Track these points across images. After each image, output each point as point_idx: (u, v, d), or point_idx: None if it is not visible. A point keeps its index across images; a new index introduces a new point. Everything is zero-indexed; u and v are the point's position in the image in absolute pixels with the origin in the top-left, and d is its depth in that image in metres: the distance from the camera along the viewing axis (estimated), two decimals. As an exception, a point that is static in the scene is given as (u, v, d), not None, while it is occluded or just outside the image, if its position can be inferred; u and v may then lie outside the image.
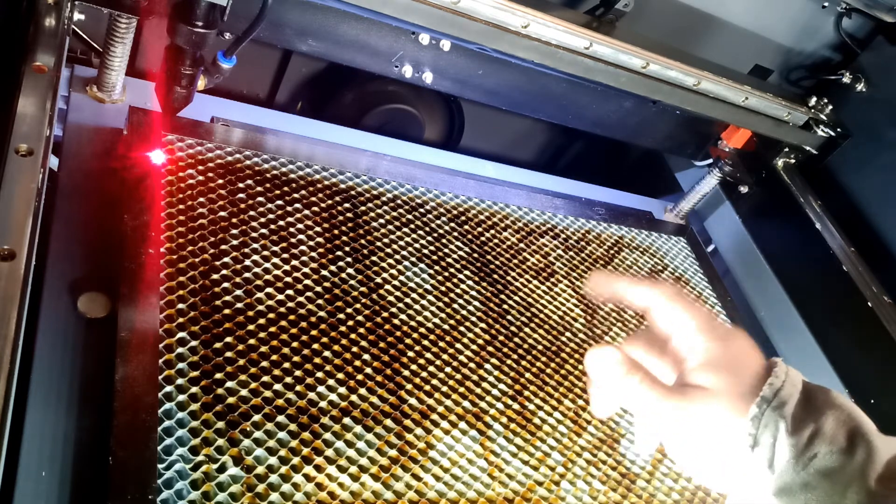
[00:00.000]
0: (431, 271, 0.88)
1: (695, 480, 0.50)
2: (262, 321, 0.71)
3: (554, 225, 1.07)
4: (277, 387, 0.67)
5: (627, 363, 0.47)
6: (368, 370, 0.73)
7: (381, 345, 0.76)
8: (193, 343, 0.66)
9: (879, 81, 1.13)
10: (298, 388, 0.68)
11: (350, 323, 0.76)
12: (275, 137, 0.91)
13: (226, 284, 0.72)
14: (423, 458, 0.69)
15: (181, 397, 0.61)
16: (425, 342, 0.79)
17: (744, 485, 0.46)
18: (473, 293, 0.89)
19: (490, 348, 0.83)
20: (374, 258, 0.84)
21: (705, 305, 0.53)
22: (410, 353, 0.77)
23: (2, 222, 0.54)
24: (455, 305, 0.85)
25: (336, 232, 0.84)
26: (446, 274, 0.89)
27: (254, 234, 0.78)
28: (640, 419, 0.53)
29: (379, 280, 0.82)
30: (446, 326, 0.82)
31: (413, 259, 0.87)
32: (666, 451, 0.51)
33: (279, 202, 0.83)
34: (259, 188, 0.83)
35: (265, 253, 0.77)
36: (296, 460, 0.63)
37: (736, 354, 0.49)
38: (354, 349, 0.74)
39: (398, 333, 0.78)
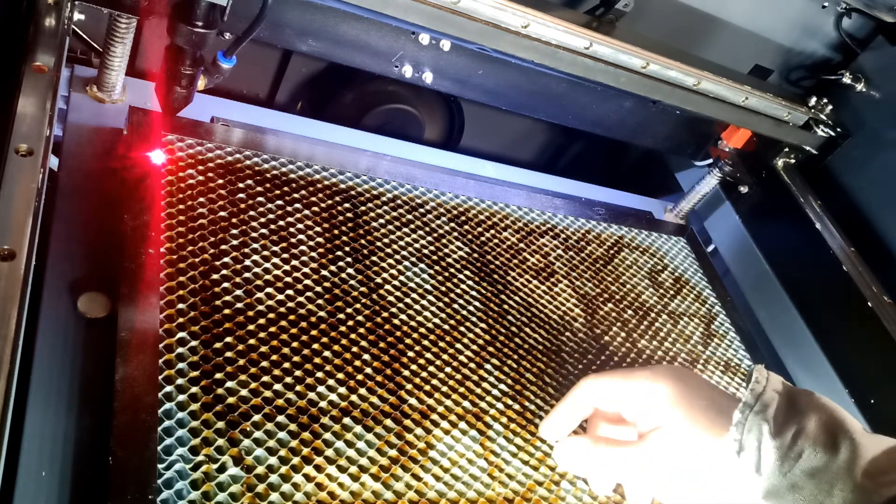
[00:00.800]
0: (431, 271, 0.88)
1: None
2: (262, 321, 0.71)
3: (554, 225, 1.07)
4: (277, 387, 0.67)
5: (590, 439, 0.52)
6: (368, 370, 0.73)
7: (381, 345, 0.76)
8: (193, 343, 0.66)
9: (879, 81, 1.13)
10: (298, 388, 0.68)
11: (350, 323, 0.76)
12: (275, 137, 0.91)
13: (226, 284, 0.72)
14: (423, 458, 0.69)
15: (181, 397, 0.61)
16: (425, 342, 0.79)
17: (733, 493, 0.46)
18: (473, 293, 0.89)
19: (490, 348, 0.83)
20: (374, 258, 0.84)
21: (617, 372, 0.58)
22: (410, 353, 0.77)
23: (2, 222, 0.54)
24: (455, 305, 0.85)
25: (336, 232, 0.84)
26: (446, 274, 0.89)
27: (254, 234, 0.78)
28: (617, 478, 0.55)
29: (379, 280, 0.82)
30: (446, 326, 0.82)
31: (413, 259, 0.87)
32: (658, 498, 0.52)
33: (279, 202, 0.83)
34: (259, 188, 0.83)
35: (265, 253, 0.77)
36: (296, 460, 0.63)
37: (699, 386, 0.52)
38: (354, 349, 0.74)
39: (398, 333, 0.78)
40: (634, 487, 0.53)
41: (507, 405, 0.79)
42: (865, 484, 0.43)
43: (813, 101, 1.15)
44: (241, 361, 0.67)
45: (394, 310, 0.80)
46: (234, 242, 0.76)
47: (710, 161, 1.24)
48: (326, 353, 0.72)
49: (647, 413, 0.51)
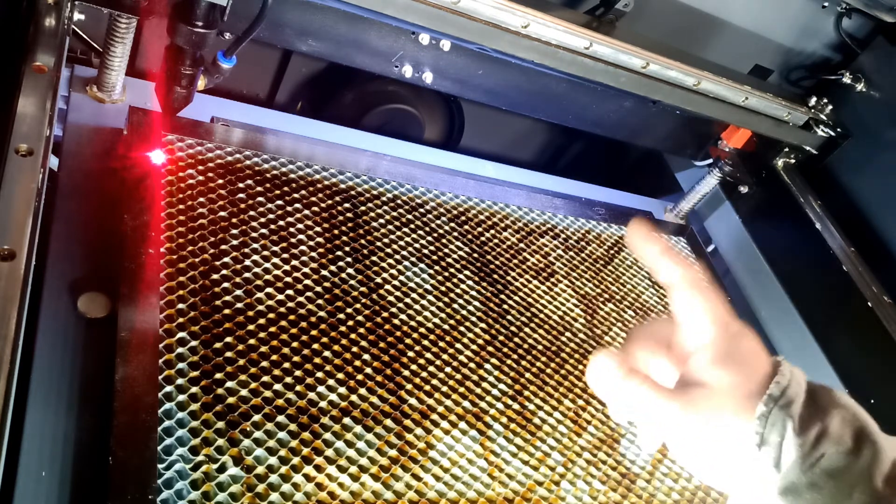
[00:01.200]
0: (431, 271, 0.88)
1: (698, 480, 0.50)
2: (262, 321, 0.71)
3: (554, 225, 1.07)
4: (277, 387, 0.67)
5: (625, 368, 0.47)
6: (368, 370, 0.73)
7: (381, 345, 0.76)
8: (193, 343, 0.66)
9: (879, 81, 1.13)
10: (298, 388, 0.68)
11: (350, 323, 0.76)
12: (275, 137, 0.91)
13: (226, 284, 0.72)
14: (423, 458, 0.69)
15: (181, 397, 0.61)
16: (425, 342, 0.79)
17: (747, 484, 0.46)
18: (473, 293, 0.89)
19: (490, 348, 0.83)
20: (374, 258, 0.84)
21: (722, 298, 0.53)
22: (410, 353, 0.77)
23: (2, 222, 0.54)
24: (455, 305, 0.85)
25: (336, 232, 0.84)
26: (446, 274, 0.89)
27: (254, 234, 0.78)
28: (643, 422, 0.53)
29: (379, 280, 0.82)
30: (446, 326, 0.82)
31: (413, 259, 0.87)
32: (669, 452, 0.51)
33: (279, 202, 0.83)
34: (259, 188, 0.83)
35: (265, 253, 0.77)
36: (296, 460, 0.63)
37: (743, 352, 0.49)
38: (354, 349, 0.74)
39: (398, 333, 0.78)
40: (650, 431, 0.52)
41: (506, 405, 0.79)
42: (885, 491, 0.43)
43: (813, 101, 1.14)
44: (241, 361, 0.67)
45: (394, 310, 0.80)
46: (234, 242, 0.76)
47: (710, 161, 1.24)
48: (326, 353, 0.72)
49: (685, 352, 0.50)
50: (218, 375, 0.65)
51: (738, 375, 0.47)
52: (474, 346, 0.82)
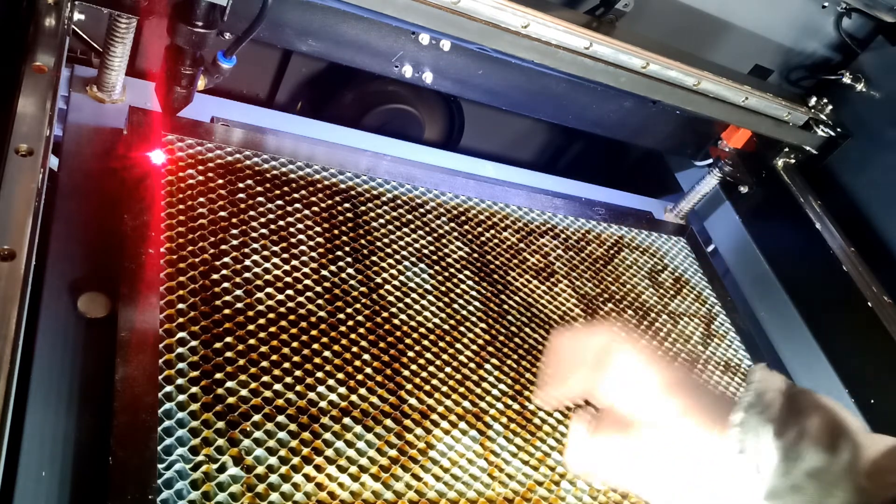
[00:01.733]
0: (431, 271, 0.88)
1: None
2: (262, 321, 0.71)
3: (554, 225, 1.07)
4: (277, 387, 0.67)
5: (589, 429, 0.49)
6: (368, 370, 0.73)
7: (381, 345, 0.76)
8: (193, 343, 0.66)
9: (879, 81, 1.13)
10: (298, 388, 0.68)
11: (350, 323, 0.76)
12: (275, 137, 0.91)
13: (226, 284, 0.72)
14: (423, 458, 0.69)
15: (181, 397, 0.61)
16: (425, 342, 0.79)
17: (732, 493, 0.46)
18: (473, 293, 0.89)
19: (490, 348, 0.83)
20: (374, 258, 0.84)
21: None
22: (410, 353, 0.77)
23: (2, 222, 0.54)
24: (455, 305, 0.85)
25: (336, 232, 0.84)
26: (446, 274, 0.89)
27: (254, 234, 0.78)
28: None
29: (379, 280, 0.82)
30: (446, 326, 0.82)
31: (413, 259, 0.87)
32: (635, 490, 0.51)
33: (279, 202, 0.83)
34: (259, 188, 0.83)
35: (265, 253, 0.77)
36: (296, 460, 0.63)
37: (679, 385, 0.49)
38: (354, 349, 0.74)
39: (398, 333, 0.78)
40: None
41: (506, 405, 0.79)
42: (866, 485, 0.43)
43: (813, 101, 1.15)
44: (241, 361, 0.67)
45: (394, 310, 0.80)
46: (234, 242, 0.76)
47: (710, 161, 1.24)
48: (326, 353, 0.72)
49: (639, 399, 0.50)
50: (218, 375, 0.64)
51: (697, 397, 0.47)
52: (474, 346, 0.82)
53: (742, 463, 0.44)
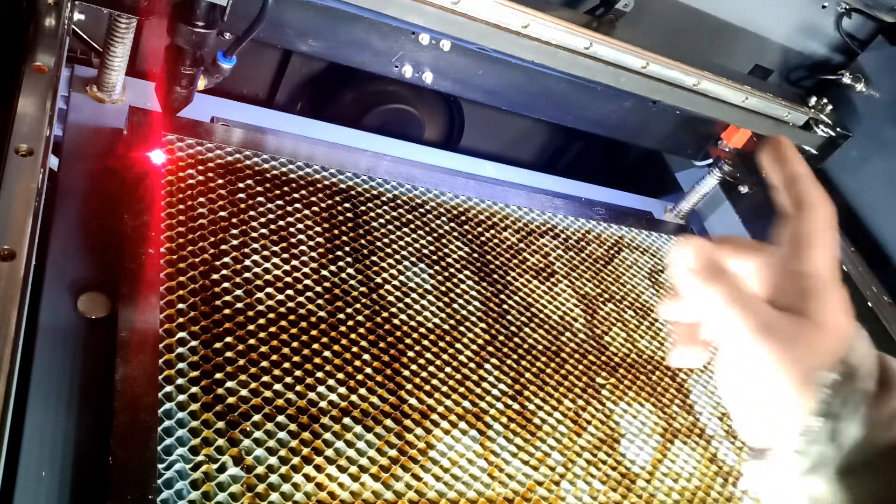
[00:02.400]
0: (431, 271, 0.88)
1: (736, 425, 0.45)
2: (262, 321, 0.71)
3: (554, 225, 1.07)
4: (277, 387, 0.67)
5: (714, 261, 0.42)
6: (368, 370, 0.73)
7: (381, 345, 0.76)
8: (193, 343, 0.66)
9: (879, 81, 1.13)
10: (298, 388, 0.68)
11: (350, 323, 0.76)
12: (275, 137, 0.91)
13: (226, 284, 0.72)
14: (423, 458, 0.69)
15: (181, 397, 0.61)
16: (425, 342, 0.79)
17: (785, 452, 0.41)
18: (473, 293, 0.89)
19: (490, 348, 0.83)
20: (374, 258, 0.84)
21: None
22: (410, 353, 0.77)
23: (2, 222, 0.54)
24: (455, 305, 0.85)
25: (336, 232, 0.84)
26: (446, 274, 0.89)
27: (254, 234, 0.78)
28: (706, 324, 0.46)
29: (379, 280, 0.82)
30: (446, 326, 0.82)
31: (413, 259, 0.87)
32: (716, 370, 0.45)
33: (279, 202, 0.83)
34: (259, 188, 0.83)
35: (265, 253, 0.77)
36: (296, 460, 0.63)
37: (836, 302, 0.42)
38: (354, 349, 0.74)
39: (398, 333, 0.78)
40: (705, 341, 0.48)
41: (506, 405, 0.79)
42: None
43: (813, 101, 1.14)
44: (241, 361, 0.67)
45: (394, 310, 0.80)
46: (234, 242, 0.76)
47: (710, 161, 1.24)
48: (326, 353, 0.72)
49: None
50: (218, 375, 0.65)
51: (825, 323, 0.41)
52: (474, 346, 0.82)
53: (815, 425, 0.39)
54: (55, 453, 0.56)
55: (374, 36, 0.90)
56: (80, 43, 0.91)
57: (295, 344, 0.71)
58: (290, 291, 0.75)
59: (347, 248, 0.83)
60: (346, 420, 0.68)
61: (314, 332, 0.73)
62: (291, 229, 0.81)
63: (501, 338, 0.85)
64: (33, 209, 0.56)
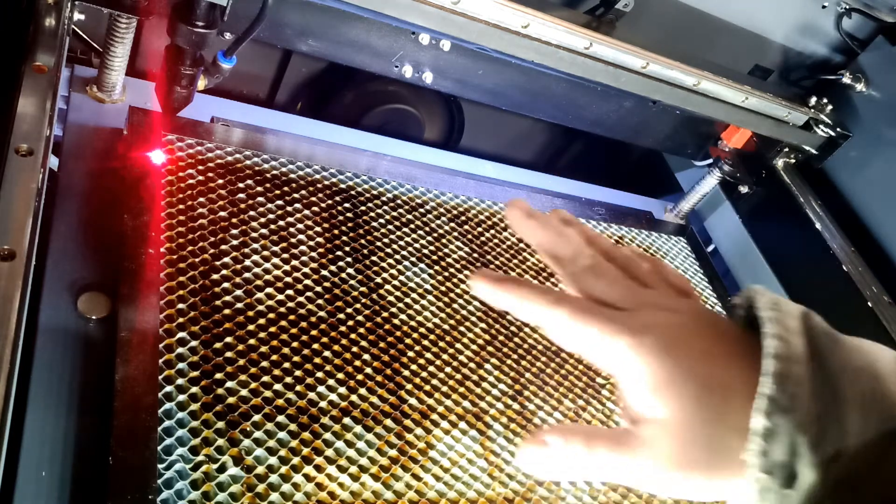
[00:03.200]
0: (431, 271, 0.88)
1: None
2: (262, 321, 0.71)
3: (554, 225, 1.07)
4: (277, 387, 0.67)
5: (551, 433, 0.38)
6: (368, 370, 0.73)
7: (381, 345, 0.76)
8: (193, 343, 0.66)
9: (879, 81, 1.13)
10: (298, 388, 0.68)
11: (350, 323, 0.76)
12: (275, 137, 0.91)
13: (226, 284, 0.72)
14: (423, 458, 0.69)
15: (181, 397, 0.61)
16: (425, 342, 0.79)
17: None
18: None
19: (490, 348, 0.83)
20: (374, 258, 0.84)
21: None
22: (410, 353, 0.77)
23: (2, 222, 0.54)
24: (455, 305, 0.85)
25: (336, 232, 0.84)
26: (446, 274, 0.89)
27: (254, 234, 0.78)
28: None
29: (379, 280, 0.82)
30: (446, 326, 0.82)
31: (413, 259, 0.87)
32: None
33: (279, 202, 0.83)
34: (259, 188, 0.83)
35: (265, 253, 0.77)
36: (296, 460, 0.63)
37: (700, 348, 0.36)
38: (354, 349, 0.74)
39: (398, 333, 0.78)
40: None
41: (507, 405, 0.79)
42: None
43: (813, 101, 1.14)
44: (241, 361, 0.67)
45: (394, 310, 0.80)
46: (234, 242, 0.76)
47: (710, 161, 1.24)
48: (326, 353, 0.72)
49: (625, 392, 0.37)
50: (218, 375, 0.65)
51: (697, 388, 0.34)
52: (474, 346, 0.82)
53: (765, 482, 0.33)
54: (55, 453, 0.56)
55: (374, 36, 0.90)
56: (80, 43, 0.90)
57: (295, 344, 0.71)
58: (290, 291, 0.75)
59: (347, 248, 0.83)
60: (346, 420, 0.68)
61: (314, 332, 0.73)
62: (291, 229, 0.81)
63: (501, 338, 0.85)
64: (33, 209, 0.56)
